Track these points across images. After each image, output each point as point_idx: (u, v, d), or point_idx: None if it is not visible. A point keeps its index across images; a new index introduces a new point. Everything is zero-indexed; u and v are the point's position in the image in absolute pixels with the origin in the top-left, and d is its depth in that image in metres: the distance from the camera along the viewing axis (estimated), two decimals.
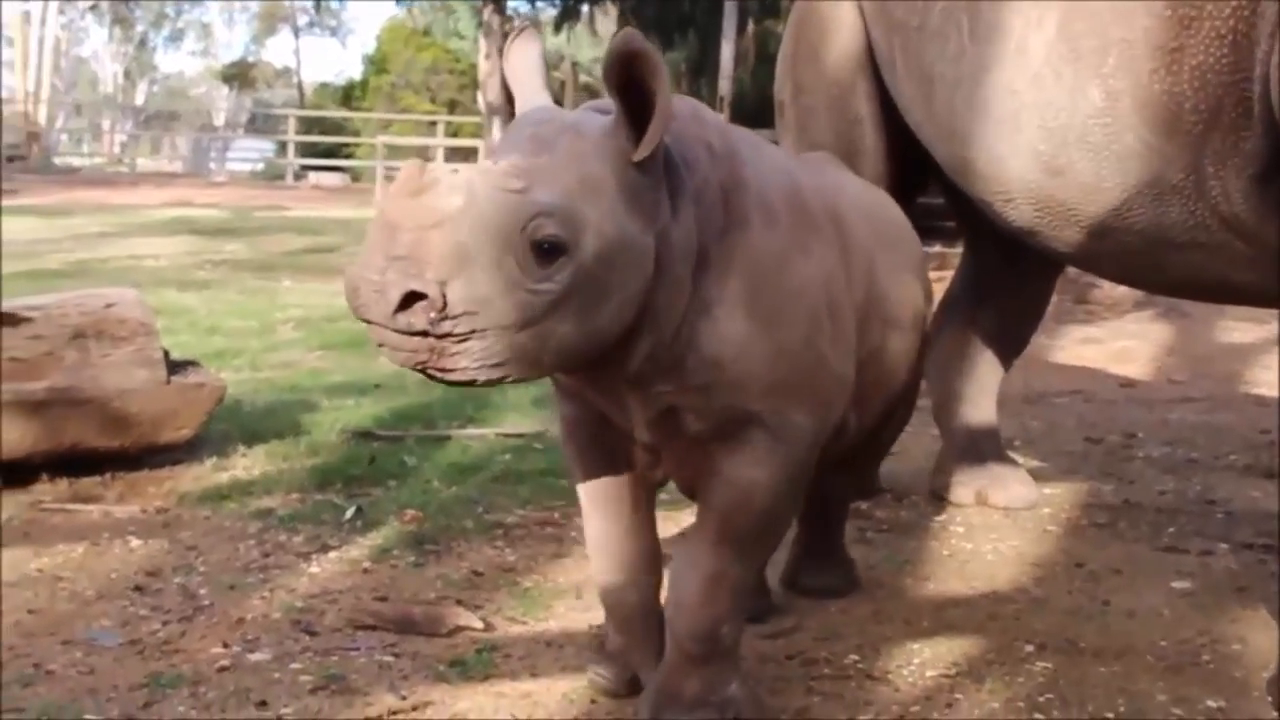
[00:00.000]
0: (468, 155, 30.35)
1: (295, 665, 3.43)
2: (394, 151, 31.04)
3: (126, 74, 56.98)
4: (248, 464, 5.42)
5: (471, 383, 2.52)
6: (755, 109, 18.90)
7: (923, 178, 4.98)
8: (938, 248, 10.90)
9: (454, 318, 2.41)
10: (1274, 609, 3.87)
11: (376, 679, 3.34)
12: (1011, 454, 5.50)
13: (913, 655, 3.58)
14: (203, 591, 3.98)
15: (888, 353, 3.39)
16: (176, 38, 59.43)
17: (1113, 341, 9.91)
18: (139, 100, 56.16)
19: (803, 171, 3.20)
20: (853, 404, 3.21)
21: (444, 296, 2.39)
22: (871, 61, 4.85)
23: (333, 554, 4.34)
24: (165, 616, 3.77)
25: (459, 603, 3.88)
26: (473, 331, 2.43)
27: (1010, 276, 5.21)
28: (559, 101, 2.92)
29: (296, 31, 55.60)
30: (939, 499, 5.19)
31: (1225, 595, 4.13)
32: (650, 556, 3.18)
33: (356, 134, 36.53)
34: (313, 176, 31.82)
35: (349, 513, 4.76)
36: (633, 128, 2.59)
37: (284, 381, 7.23)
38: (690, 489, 3.09)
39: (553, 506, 4.91)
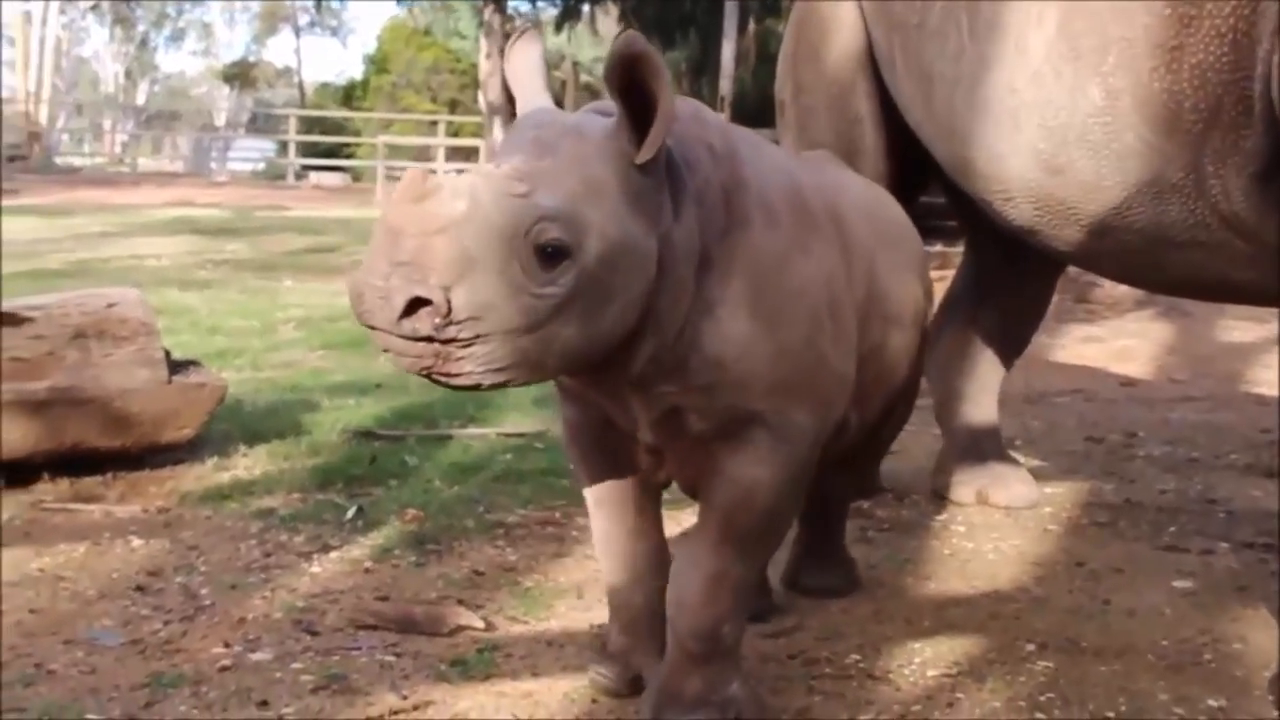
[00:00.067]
0: (469, 155, 30.37)
1: (297, 665, 3.43)
2: (395, 151, 31.08)
3: (128, 74, 57.00)
4: (249, 464, 5.42)
5: (476, 387, 2.53)
6: (756, 108, 18.92)
7: (924, 177, 4.99)
8: (939, 247, 10.90)
9: (459, 323, 2.41)
10: (1275, 608, 3.87)
11: (378, 679, 3.34)
12: (1012, 453, 5.50)
13: (914, 654, 3.58)
14: (204, 591, 3.98)
15: (888, 351, 3.40)
16: (177, 37, 59.47)
17: (1114, 340, 9.91)
18: (140, 100, 56.18)
19: (803, 171, 3.21)
20: (854, 402, 3.21)
21: (449, 302, 2.40)
22: (872, 61, 4.85)
23: (334, 554, 4.34)
24: (167, 616, 3.77)
25: (460, 602, 3.88)
26: (477, 336, 2.44)
27: (1011, 276, 5.21)
28: (560, 101, 2.92)
29: (297, 31, 55.67)
30: (940, 498, 5.19)
31: (1226, 594, 4.13)
32: (656, 558, 3.19)
33: (357, 134, 36.54)
34: (314, 176, 31.84)
35: (350, 512, 4.76)
36: (635, 130, 2.59)
37: (285, 381, 7.23)
38: (692, 489, 3.09)
39: (554, 506, 4.91)
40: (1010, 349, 5.37)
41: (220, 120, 54.68)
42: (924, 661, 3.54)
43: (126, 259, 13.68)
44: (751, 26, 26.01)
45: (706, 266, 2.78)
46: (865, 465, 4.07)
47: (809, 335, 2.92)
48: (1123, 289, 10.41)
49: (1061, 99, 3.93)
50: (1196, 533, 4.79)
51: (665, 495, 3.29)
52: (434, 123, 34.63)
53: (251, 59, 57.48)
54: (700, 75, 28.20)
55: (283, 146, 35.52)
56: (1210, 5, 3.60)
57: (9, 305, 5.20)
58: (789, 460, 2.94)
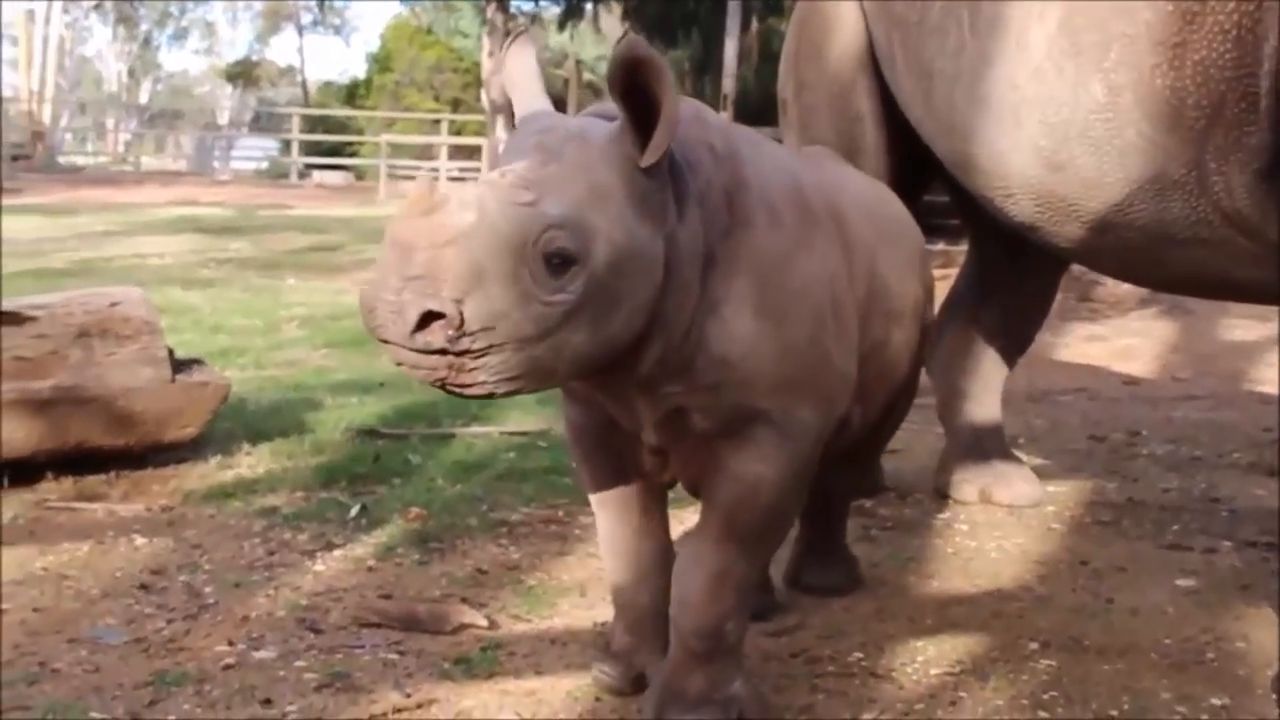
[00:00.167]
0: (472, 153, 30.37)
1: (300, 663, 3.43)
2: (398, 150, 31.10)
3: (131, 73, 56.99)
4: (252, 462, 5.43)
5: (490, 396, 2.54)
6: (759, 107, 18.91)
7: (926, 175, 4.98)
8: (942, 245, 10.91)
9: (471, 334, 2.42)
10: (1277, 607, 3.87)
11: (381, 677, 3.35)
12: (1015, 451, 5.49)
13: (917, 653, 3.59)
14: (208, 590, 3.99)
15: (890, 347, 3.40)
16: (180, 36, 59.41)
17: (1116, 339, 9.91)
18: (143, 99, 56.18)
19: (804, 169, 3.21)
20: (856, 399, 3.22)
21: (461, 314, 2.40)
22: (873, 59, 4.85)
23: (337, 552, 4.35)
24: (170, 615, 3.78)
25: (463, 600, 3.89)
26: (490, 346, 2.45)
27: (1014, 273, 5.21)
28: (563, 100, 2.93)
29: (300, 30, 55.66)
30: (943, 496, 5.19)
31: (1229, 593, 4.13)
32: (661, 557, 3.19)
33: (360, 132, 36.54)
34: (317, 175, 31.82)
35: (353, 511, 4.77)
36: (638, 133, 2.60)
37: (288, 380, 7.24)
38: (695, 488, 3.09)
39: (557, 504, 4.92)
40: (1013, 347, 5.37)
41: (223, 119, 54.65)
42: (927, 660, 3.54)
43: (130, 258, 13.69)
44: (754, 25, 25.97)
45: (710, 266, 2.79)
46: (866, 462, 4.07)
47: (813, 333, 2.93)
48: (1125, 287, 10.40)
49: (1063, 95, 3.93)
50: (1199, 531, 4.79)
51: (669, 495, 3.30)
52: (437, 121, 34.62)
53: (254, 58, 57.48)
54: (703, 74, 28.17)
55: (286, 145, 35.50)
56: (1214, 2, 3.59)
57: (13, 304, 5.20)
58: (793, 457, 2.95)
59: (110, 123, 48.47)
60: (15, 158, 30.79)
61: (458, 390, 2.50)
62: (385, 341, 2.47)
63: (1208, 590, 4.16)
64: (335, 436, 5.85)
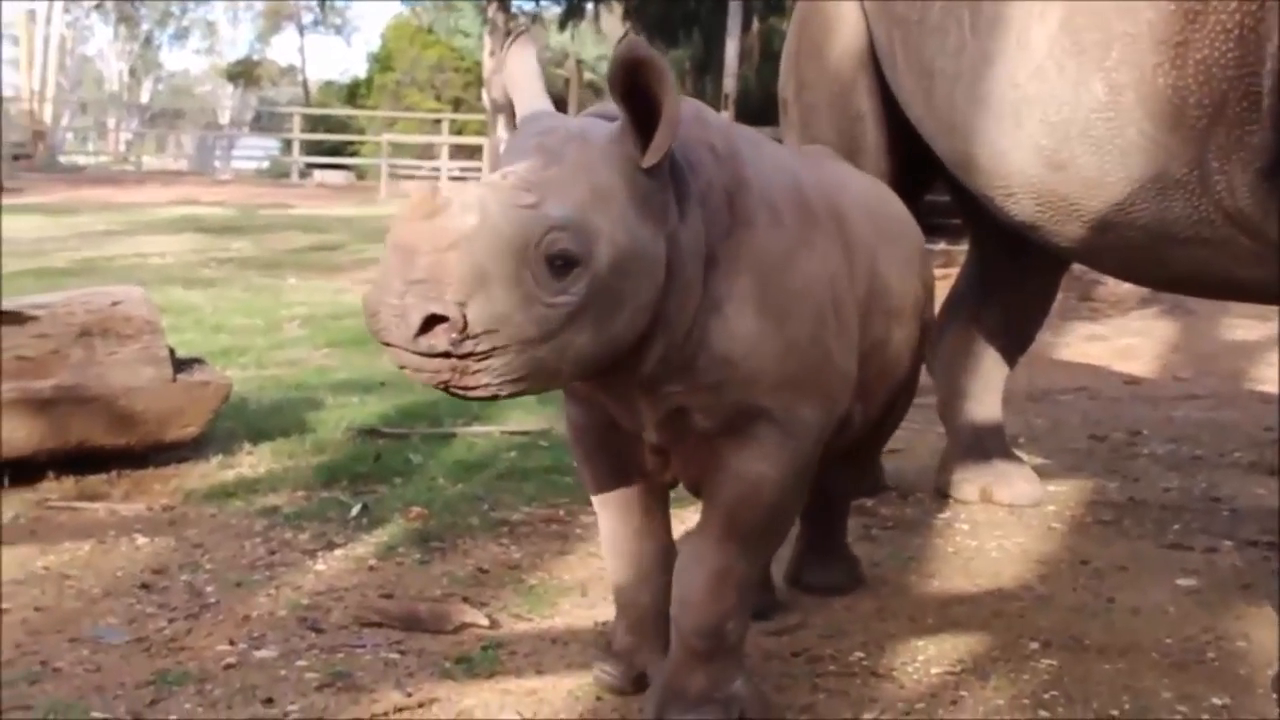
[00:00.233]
0: (473, 153, 30.36)
1: (301, 662, 3.43)
2: (399, 149, 31.09)
3: (132, 72, 57.03)
4: (253, 462, 5.44)
5: (494, 398, 2.55)
6: (760, 106, 18.91)
7: (927, 174, 4.98)
8: (943, 245, 10.92)
9: (475, 337, 2.43)
10: (1278, 606, 3.87)
11: (382, 676, 3.35)
12: (1016, 451, 5.50)
13: (918, 652, 3.59)
14: (209, 589, 3.99)
15: (891, 345, 3.41)
16: (181, 36, 59.41)
17: (1117, 339, 9.92)
18: (144, 98, 56.22)
19: (804, 168, 3.21)
20: (857, 397, 3.23)
21: (464, 317, 2.41)
22: (873, 58, 4.86)
23: (338, 551, 4.35)
24: (171, 614, 3.78)
25: (464, 600, 3.89)
26: (494, 349, 2.45)
27: (1015, 273, 5.21)
28: (564, 99, 2.93)
29: (301, 29, 55.70)
30: (944, 496, 5.19)
31: (1230, 592, 4.13)
32: (663, 557, 3.19)
33: (361, 132, 36.55)
34: (318, 174, 31.84)
35: (355, 510, 4.77)
36: (639, 134, 2.60)
37: (289, 379, 7.25)
38: (697, 487, 3.09)
39: (558, 504, 4.92)
40: (1014, 347, 5.37)
41: (224, 118, 54.67)
42: (928, 659, 3.54)
43: (131, 257, 13.70)
44: (755, 25, 25.98)
45: (712, 266, 2.79)
46: (866, 461, 4.08)
47: (814, 332, 2.94)
48: (1126, 287, 10.41)
49: (1064, 94, 3.93)
50: (1200, 531, 4.79)
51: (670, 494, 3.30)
52: (438, 121, 34.63)
53: (256, 57, 57.50)
54: (704, 73, 28.19)
55: (287, 145, 35.51)
56: (1216, 1, 3.59)
57: (14, 304, 5.21)
58: (794, 456, 2.95)
59: (111, 122, 48.48)
60: (16, 157, 30.82)
61: (461, 393, 2.51)
62: (388, 345, 2.47)
63: (1209, 589, 4.16)
64: (336, 436, 5.85)
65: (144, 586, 4.00)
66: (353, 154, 35.29)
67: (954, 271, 5.69)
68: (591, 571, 4.16)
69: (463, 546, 4.43)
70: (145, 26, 55.55)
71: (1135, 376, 8.41)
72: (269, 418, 6.11)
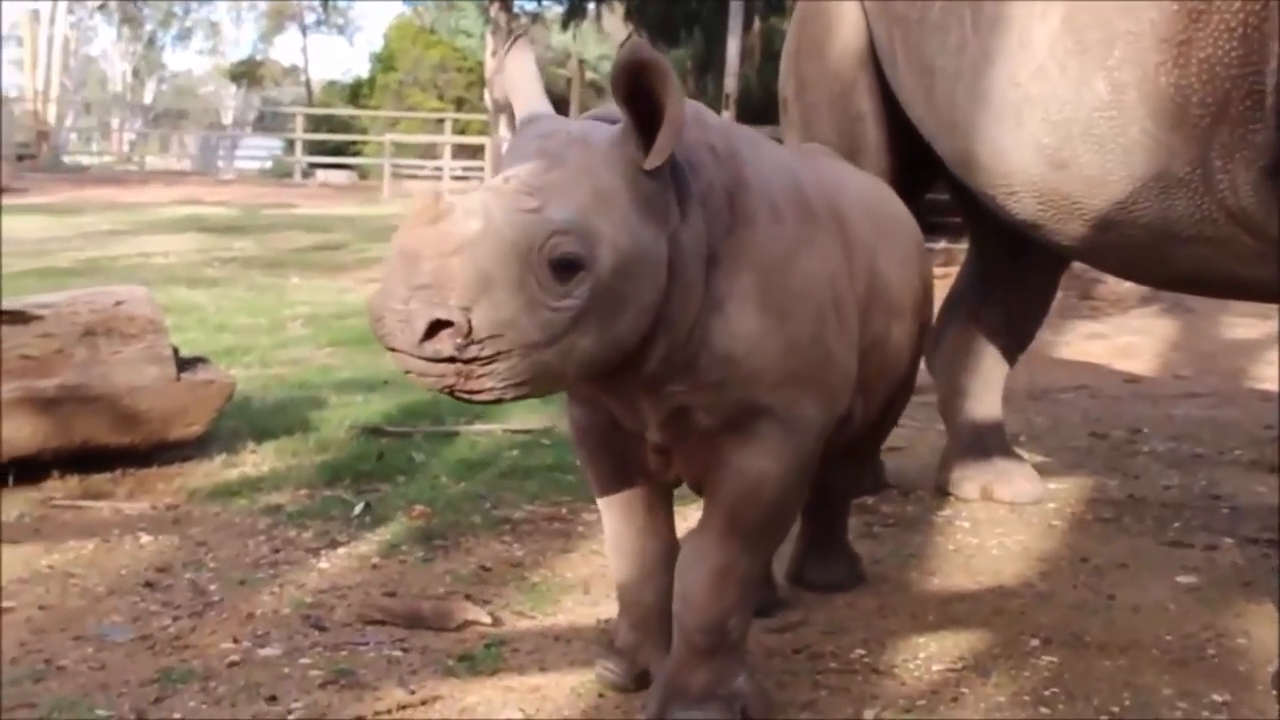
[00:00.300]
0: (475, 152, 30.36)
1: (305, 660, 3.45)
2: (401, 149, 31.08)
3: (135, 73, 57.09)
4: (257, 460, 5.45)
5: (498, 401, 2.57)
6: (761, 106, 18.91)
7: (928, 173, 4.99)
8: (943, 243, 10.92)
9: (480, 342, 2.44)
10: (1278, 603, 3.88)
11: (385, 673, 3.36)
12: (1017, 449, 5.51)
13: (919, 649, 3.60)
14: (213, 587, 4.00)
15: (890, 342, 3.42)
16: (185, 36, 59.46)
17: (1117, 337, 9.92)
18: (147, 99, 56.30)
19: (803, 168, 3.23)
20: (858, 393, 3.24)
21: (469, 322, 2.42)
22: (874, 58, 4.86)
23: (342, 550, 4.36)
24: (176, 612, 3.80)
25: (467, 598, 3.91)
26: (499, 353, 2.47)
27: (1015, 271, 5.22)
28: (566, 99, 2.94)
29: (304, 29, 55.75)
30: (944, 494, 5.20)
31: (1230, 590, 4.14)
32: (666, 556, 3.20)
33: (364, 132, 36.56)
34: (320, 174, 31.85)
35: (358, 508, 4.79)
36: (641, 136, 2.61)
37: (293, 378, 7.26)
38: (699, 485, 3.11)
39: (560, 502, 4.94)
40: (1014, 345, 5.38)
41: (227, 118, 54.75)
42: (929, 656, 3.55)
43: (134, 257, 13.72)
44: (756, 24, 25.98)
45: (713, 265, 2.81)
46: (866, 458, 4.09)
47: (815, 330, 2.95)
48: (1126, 285, 10.41)
49: (1066, 93, 3.93)
50: (1200, 528, 4.80)
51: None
52: (440, 120, 34.63)
53: (258, 57, 57.52)
54: (705, 73, 28.20)
55: (290, 144, 35.54)
56: (1219, 1, 3.60)
57: (19, 303, 5.23)
58: (796, 453, 2.97)
59: (115, 122, 48.56)
60: (21, 157, 30.88)
61: (466, 396, 2.52)
62: (394, 350, 2.48)
63: (1209, 587, 4.17)
64: (339, 434, 5.87)
65: (148, 585, 4.02)
66: (355, 154, 35.30)
67: (954, 270, 5.70)
68: (594, 569, 4.18)
69: (465, 544, 4.44)
70: (149, 27, 55.61)
71: (1135, 375, 8.41)
72: (272, 417, 6.12)
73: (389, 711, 3.14)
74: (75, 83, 49.99)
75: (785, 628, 3.71)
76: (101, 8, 50.90)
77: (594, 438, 3.19)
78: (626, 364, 2.73)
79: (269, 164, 39.17)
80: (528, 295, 2.47)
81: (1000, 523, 4.86)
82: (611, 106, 2.72)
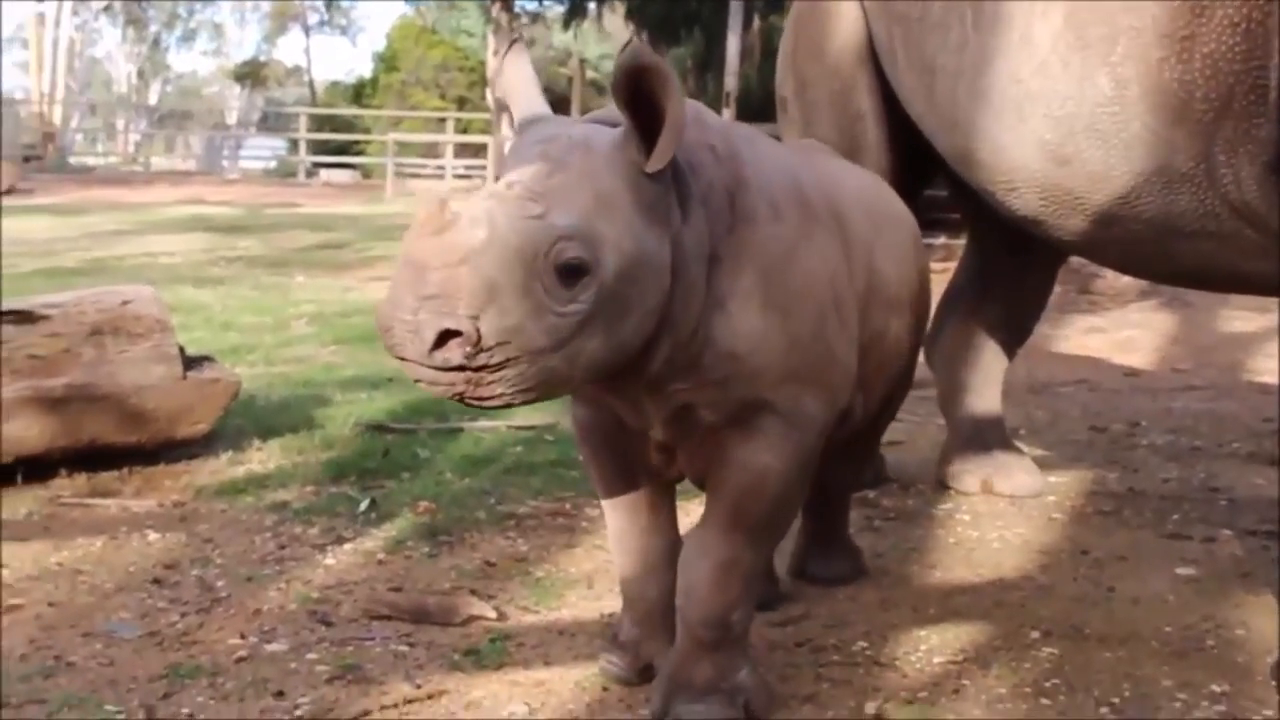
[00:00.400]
0: (477, 151, 30.37)
1: (312, 655, 3.47)
2: (404, 148, 31.08)
3: (140, 74, 57.05)
4: (263, 458, 5.47)
5: (507, 405, 2.59)
6: (761, 104, 18.89)
7: (927, 171, 5.00)
8: (942, 239, 10.92)
9: (488, 349, 2.46)
10: (1277, 594, 3.89)
11: (392, 668, 3.39)
12: (1017, 443, 5.52)
13: (920, 642, 3.62)
14: (220, 583, 4.03)
15: (889, 337, 3.45)
16: (189, 38, 59.52)
17: (1116, 331, 9.91)
18: (152, 100, 56.27)
19: (802, 166, 3.25)
20: (858, 388, 3.27)
21: (477, 331, 2.44)
22: (873, 56, 4.87)
23: (347, 545, 4.39)
24: (183, 608, 3.82)
25: (472, 593, 3.93)
26: (507, 360, 2.49)
27: (1013, 267, 5.23)
28: (567, 98, 2.97)
29: (307, 30, 55.75)
30: (945, 487, 5.21)
31: (1229, 581, 4.16)
32: (670, 552, 3.22)
33: (367, 131, 36.59)
34: (324, 173, 31.88)
35: (363, 505, 4.81)
36: (642, 139, 2.63)
37: (298, 376, 7.27)
38: (702, 481, 3.13)
39: (564, 497, 4.96)
40: (1013, 339, 5.39)
41: (232, 119, 54.72)
42: (930, 649, 3.57)
43: (140, 256, 13.74)
44: (756, 23, 25.96)
45: (715, 264, 2.83)
46: (865, 452, 4.11)
47: (816, 327, 2.98)
48: (1125, 280, 10.41)
49: (1069, 89, 3.92)
50: (1199, 520, 4.81)
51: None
52: (443, 120, 34.64)
53: (262, 58, 57.57)
54: (705, 72, 28.20)
55: (293, 144, 35.58)
56: None
57: (26, 303, 5.25)
58: (798, 448, 2.99)
59: (120, 123, 48.60)
60: (27, 159, 30.91)
61: (476, 403, 2.54)
62: (403, 359, 2.50)
63: (1208, 578, 4.18)
64: (344, 432, 5.88)
65: (156, 581, 4.04)
66: (359, 153, 35.33)
67: (953, 265, 5.70)
68: (597, 564, 4.20)
69: (470, 540, 4.46)
70: (153, 29, 55.61)
71: (1134, 368, 8.42)
72: (278, 414, 6.14)
73: (395, 706, 3.16)
74: (80, 84, 50.01)
75: (787, 621, 3.73)
76: (106, 10, 50.92)
77: (597, 436, 3.21)
78: (631, 365, 2.75)
79: (273, 164, 39.22)
80: (534, 301, 2.49)
81: (1000, 516, 4.88)
82: (612, 108, 2.74)
